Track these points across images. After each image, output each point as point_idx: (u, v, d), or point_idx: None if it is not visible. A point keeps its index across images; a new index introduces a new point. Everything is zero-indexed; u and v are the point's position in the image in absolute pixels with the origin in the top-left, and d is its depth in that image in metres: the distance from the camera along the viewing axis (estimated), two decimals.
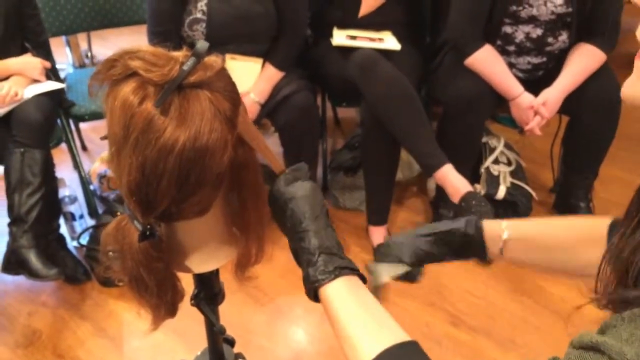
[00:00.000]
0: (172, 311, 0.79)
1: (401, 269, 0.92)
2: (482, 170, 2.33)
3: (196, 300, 0.87)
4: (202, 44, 0.68)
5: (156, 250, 0.72)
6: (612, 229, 0.79)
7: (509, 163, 2.38)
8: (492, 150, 2.37)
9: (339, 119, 2.98)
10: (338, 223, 2.35)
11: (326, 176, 2.50)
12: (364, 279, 0.69)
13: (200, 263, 0.80)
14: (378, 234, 2.20)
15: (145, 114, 0.64)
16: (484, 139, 2.39)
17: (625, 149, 2.50)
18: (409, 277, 1.73)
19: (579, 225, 0.87)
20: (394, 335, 0.60)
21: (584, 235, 0.84)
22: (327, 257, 0.67)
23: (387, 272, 0.93)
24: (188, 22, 1.99)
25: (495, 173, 2.34)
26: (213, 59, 0.70)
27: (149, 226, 0.69)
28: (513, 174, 2.36)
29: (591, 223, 0.85)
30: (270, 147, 0.81)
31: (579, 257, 0.84)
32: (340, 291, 0.65)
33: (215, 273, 0.88)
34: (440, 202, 2.22)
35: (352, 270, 0.68)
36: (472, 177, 2.35)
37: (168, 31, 2.00)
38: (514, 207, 2.32)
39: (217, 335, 0.95)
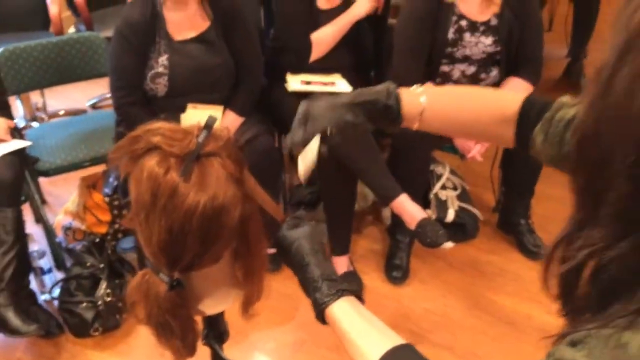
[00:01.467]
0: (192, 351, 0.89)
1: (314, 147, 0.95)
2: (432, 196, 2.52)
3: (207, 340, 0.98)
4: (211, 118, 0.81)
5: (181, 298, 0.82)
6: (526, 106, 0.86)
7: (455, 188, 2.58)
8: (439, 177, 2.56)
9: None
10: None
11: (286, 212, 2.62)
12: (361, 299, 0.82)
13: (213, 306, 0.91)
14: (341, 264, 2.33)
15: (171, 183, 0.76)
16: (431, 167, 2.58)
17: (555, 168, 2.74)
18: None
19: (493, 100, 0.93)
20: (393, 340, 0.74)
21: (496, 112, 0.89)
22: (329, 283, 0.81)
23: (305, 159, 0.99)
24: (150, 76, 2.09)
25: (444, 198, 2.52)
26: (220, 130, 0.83)
27: (174, 278, 0.80)
28: (459, 197, 2.55)
29: (504, 100, 0.92)
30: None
31: (490, 132, 0.91)
32: (344, 308, 0.79)
33: (221, 314, 0.99)
34: (396, 228, 2.38)
35: (351, 291, 0.81)
36: (423, 203, 2.53)
37: (131, 86, 2.10)
38: (462, 228, 2.51)
39: None
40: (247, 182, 0.86)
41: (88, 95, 3.35)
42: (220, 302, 0.92)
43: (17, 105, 3.21)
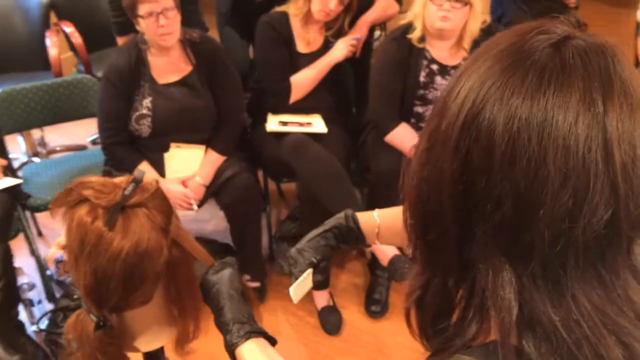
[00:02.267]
0: None
1: (309, 277, 1.06)
2: None
3: None
4: (139, 173, 0.90)
5: (109, 337, 0.90)
6: None
7: None
8: None
9: (282, 191, 3.20)
10: (284, 290, 2.53)
11: (272, 246, 2.69)
12: (271, 340, 0.90)
13: (147, 343, 0.99)
14: (321, 298, 2.38)
15: (96, 231, 0.84)
16: None
17: None
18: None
19: None
20: None
21: None
22: (239, 325, 0.89)
23: (304, 287, 1.08)
24: (135, 118, 2.20)
25: None
26: (148, 182, 0.91)
27: (102, 318, 0.88)
28: None
29: None
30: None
31: None
32: (252, 349, 0.87)
33: (161, 350, 1.06)
34: (376, 263, 2.43)
35: (260, 333, 0.89)
36: None
37: (116, 127, 2.21)
38: None
39: None
40: (176, 231, 0.94)
41: (89, 131, 3.48)
42: (153, 339, 0.99)
43: (19, 142, 3.36)
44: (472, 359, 0.52)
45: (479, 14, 2.16)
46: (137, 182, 0.89)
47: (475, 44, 2.19)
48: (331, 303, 2.40)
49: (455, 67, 2.21)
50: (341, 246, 1.09)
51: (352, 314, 2.41)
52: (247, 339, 0.87)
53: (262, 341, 0.88)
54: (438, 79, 2.21)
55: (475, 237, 0.51)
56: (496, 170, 0.48)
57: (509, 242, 0.50)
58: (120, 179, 0.90)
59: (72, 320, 0.93)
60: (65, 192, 0.89)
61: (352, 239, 1.08)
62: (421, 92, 2.24)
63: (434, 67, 2.21)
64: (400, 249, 2.19)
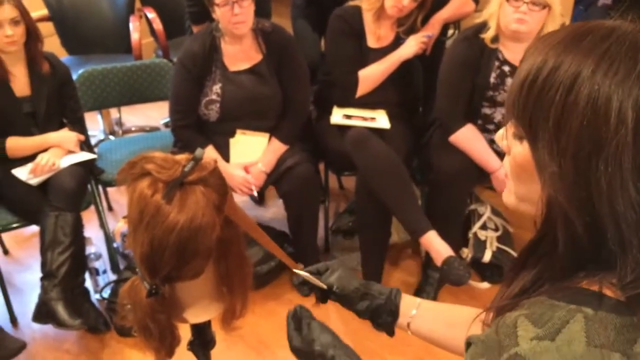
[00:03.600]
0: (170, 353, 1.01)
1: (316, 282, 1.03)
2: (470, 235, 2.53)
3: (191, 346, 1.09)
4: (199, 152, 0.93)
5: (160, 305, 0.95)
6: None
7: (496, 229, 2.58)
8: (480, 216, 2.58)
9: (343, 184, 3.22)
10: None
11: (327, 238, 2.72)
12: None
13: (195, 315, 1.03)
14: None
15: (155, 204, 0.89)
16: (473, 206, 2.60)
17: None
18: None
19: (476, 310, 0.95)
20: None
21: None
22: None
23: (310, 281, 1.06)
24: (204, 103, 2.28)
25: (483, 238, 2.53)
26: (207, 162, 0.95)
27: (154, 286, 0.92)
28: (500, 239, 2.55)
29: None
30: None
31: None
32: None
33: (208, 324, 1.10)
34: (429, 263, 2.41)
35: None
36: (462, 241, 2.55)
37: (187, 110, 2.29)
38: (499, 269, 2.50)
39: None
40: (231, 211, 0.97)
41: (162, 114, 3.62)
42: (201, 312, 1.03)
43: (98, 120, 3.54)
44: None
45: (558, 17, 2.09)
46: (197, 160, 0.92)
47: None
48: None
49: None
50: (360, 312, 1.02)
51: None
52: None
53: None
54: (509, 80, 2.16)
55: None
56: None
57: None
58: (181, 156, 0.94)
59: (127, 286, 0.98)
60: (129, 165, 0.94)
61: (379, 315, 1.00)
62: (490, 93, 2.19)
63: (506, 68, 2.16)
64: (456, 251, 2.17)
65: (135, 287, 0.97)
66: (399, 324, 0.99)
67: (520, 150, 0.63)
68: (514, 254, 2.53)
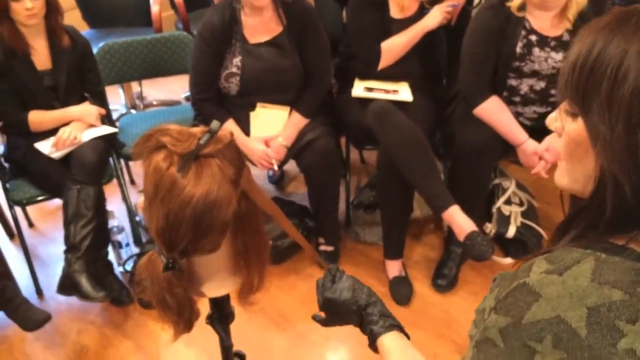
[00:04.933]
0: (188, 327, 1.00)
1: None
2: (494, 210, 2.49)
3: (210, 320, 1.09)
4: (215, 124, 0.91)
5: (177, 279, 0.94)
6: None
7: (521, 204, 2.53)
8: (505, 191, 2.53)
9: (364, 158, 3.18)
10: (358, 257, 2.54)
11: (349, 212, 2.70)
12: (407, 335, 0.97)
13: (213, 289, 1.02)
14: (393, 268, 2.37)
15: (170, 177, 0.87)
16: (497, 181, 2.55)
17: None
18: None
19: None
20: None
21: None
22: (385, 318, 0.97)
23: None
24: (224, 76, 2.25)
25: (507, 213, 2.49)
26: (223, 134, 0.93)
27: (171, 260, 0.92)
28: (524, 214, 2.50)
29: None
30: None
31: None
32: (393, 339, 0.95)
33: (227, 298, 1.10)
34: (451, 238, 2.38)
35: (400, 328, 0.97)
36: (486, 216, 2.51)
37: (207, 83, 2.27)
38: (523, 245, 2.46)
39: (228, 350, 1.16)
40: (247, 185, 0.95)
41: (183, 88, 3.61)
42: (219, 287, 1.02)
43: (120, 94, 3.54)
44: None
45: None
46: (212, 132, 0.90)
47: (582, 15, 2.04)
48: (403, 274, 2.39)
49: (556, 39, 2.08)
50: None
51: (423, 286, 2.39)
52: (390, 330, 0.95)
53: (401, 335, 0.96)
54: (536, 50, 2.09)
55: None
56: None
57: None
58: (197, 129, 0.92)
59: (144, 260, 0.97)
60: (144, 138, 0.92)
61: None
62: (517, 63, 2.12)
63: (533, 37, 2.09)
64: (479, 226, 2.13)
65: (152, 261, 0.96)
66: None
67: (574, 126, 0.67)
68: (539, 229, 2.48)
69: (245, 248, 1.00)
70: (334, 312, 1.02)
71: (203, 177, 0.88)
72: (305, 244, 1.10)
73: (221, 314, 1.10)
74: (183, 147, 0.89)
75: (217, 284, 1.02)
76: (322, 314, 1.05)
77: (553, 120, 0.73)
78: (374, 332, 0.96)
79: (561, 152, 0.72)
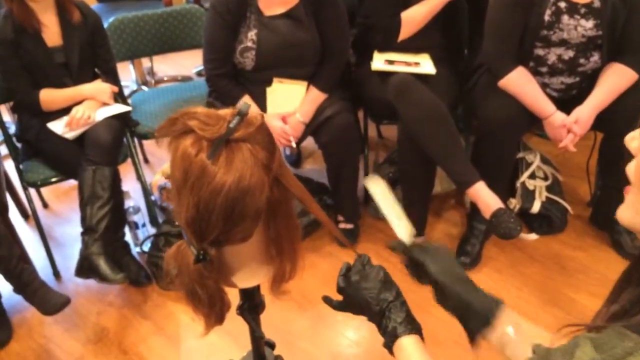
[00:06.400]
0: (220, 319, 0.96)
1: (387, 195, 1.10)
2: (518, 184, 2.42)
3: (241, 310, 1.05)
4: (244, 106, 0.85)
5: (208, 270, 0.89)
6: None
7: (545, 178, 2.46)
8: (529, 165, 2.46)
9: (382, 133, 3.11)
10: (377, 233, 2.49)
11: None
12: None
13: (244, 280, 0.97)
14: None
15: (200, 163, 0.81)
16: (521, 154, 2.48)
17: None
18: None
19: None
20: None
21: None
22: (409, 320, 0.94)
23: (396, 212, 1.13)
24: (239, 50, 2.18)
25: (531, 188, 2.42)
26: (253, 117, 0.87)
27: (202, 251, 0.86)
28: (549, 188, 2.44)
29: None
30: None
31: None
32: (413, 343, 0.92)
33: (257, 288, 1.05)
34: (475, 215, 2.32)
35: (420, 333, 0.94)
36: (509, 191, 2.44)
37: (221, 58, 2.20)
38: (549, 221, 2.41)
39: (258, 340, 1.12)
40: (279, 169, 0.89)
41: (195, 63, 3.54)
42: (251, 277, 0.97)
43: (130, 70, 3.47)
44: None
45: None
46: (242, 115, 0.84)
47: None
48: None
49: (586, 5, 1.98)
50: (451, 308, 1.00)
51: None
52: (411, 333, 0.92)
53: (421, 340, 0.93)
54: (565, 18, 2.00)
55: None
56: None
57: None
58: (225, 111, 0.86)
59: (172, 250, 0.92)
60: (170, 122, 0.86)
61: (468, 320, 0.98)
62: (544, 32, 2.03)
63: (562, 4, 1.99)
64: (503, 201, 2.07)
65: (181, 252, 0.91)
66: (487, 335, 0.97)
67: None
68: (565, 203, 2.42)
69: (277, 235, 0.95)
70: (352, 303, 1.00)
71: (234, 163, 0.82)
72: (334, 227, 1.05)
73: (252, 304, 1.06)
74: (212, 131, 0.83)
75: (249, 274, 0.97)
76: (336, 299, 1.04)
77: (630, 139, 0.64)
78: (397, 330, 0.92)
79: (632, 177, 0.63)
